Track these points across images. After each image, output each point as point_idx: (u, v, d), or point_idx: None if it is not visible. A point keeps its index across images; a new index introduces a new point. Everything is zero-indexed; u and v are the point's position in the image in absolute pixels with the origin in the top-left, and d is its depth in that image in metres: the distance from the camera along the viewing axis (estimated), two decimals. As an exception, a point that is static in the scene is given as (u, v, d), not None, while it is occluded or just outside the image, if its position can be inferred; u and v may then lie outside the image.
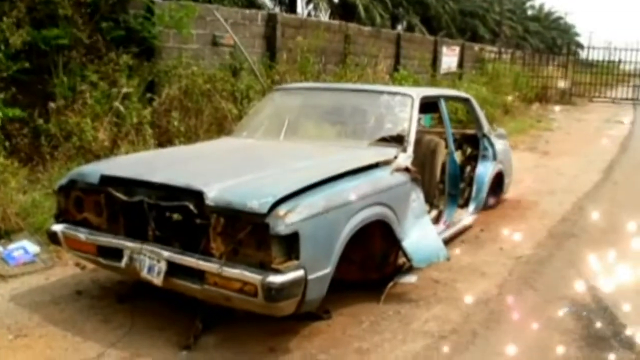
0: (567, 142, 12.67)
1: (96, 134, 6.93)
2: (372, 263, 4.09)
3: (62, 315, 3.76)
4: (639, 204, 7.26)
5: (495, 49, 23.85)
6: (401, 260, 4.24)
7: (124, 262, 3.42)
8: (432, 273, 4.52)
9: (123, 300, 3.94)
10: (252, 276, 2.97)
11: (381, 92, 4.88)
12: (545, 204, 7.10)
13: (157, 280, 3.29)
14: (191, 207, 3.16)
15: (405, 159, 4.25)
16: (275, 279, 2.94)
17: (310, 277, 3.10)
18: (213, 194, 3.14)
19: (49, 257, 4.67)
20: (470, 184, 5.96)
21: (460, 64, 19.19)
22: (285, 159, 3.93)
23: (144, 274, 3.33)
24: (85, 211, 3.72)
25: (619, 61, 25.81)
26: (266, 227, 2.98)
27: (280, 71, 10.36)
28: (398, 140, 4.40)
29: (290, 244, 3.01)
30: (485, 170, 6.04)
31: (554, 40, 50.78)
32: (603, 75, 25.26)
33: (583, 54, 27.43)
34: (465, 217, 5.64)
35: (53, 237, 3.80)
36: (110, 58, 7.40)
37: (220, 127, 9.44)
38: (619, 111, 20.62)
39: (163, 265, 3.26)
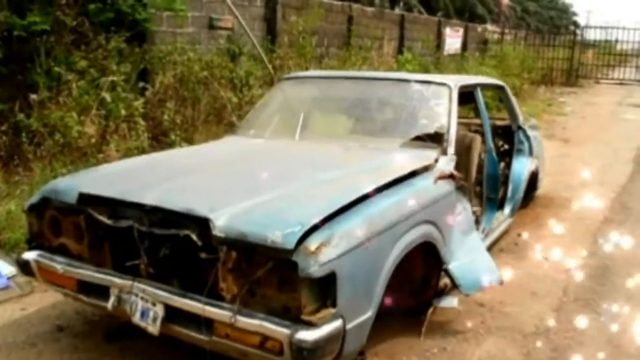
0: (584, 128, 11.99)
1: (83, 128, 6.22)
2: (410, 288, 3.41)
3: (39, 361, 3.09)
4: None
5: (498, 29, 23.08)
6: (442, 281, 3.56)
7: (110, 304, 2.74)
8: (474, 294, 3.84)
9: (112, 338, 3.25)
10: (277, 330, 2.30)
11: (412, 82, 4.14)
12: (580, 200, 6.44)
13: (153, 329, 2.60)
14: (194, 237, 2.47)
15: (447, 162, 3.55)
16: (308, 335, 2.26)
17: (349, 326, 2.42)
18: (222, 221, 2.45)
19: (26, 280, 3.96)
20: (505, 183, 5.26)
21: (464, 46, 18.46)
22: (307, 168, 3.21)
23: (136, 319, 2.65)
24: (63, 235, 3.02)
25: (616, 41, 25.18)
26: (293, 266, 2.29)
27: (281, 55, 9.63)
28: (436, 139, 3.69)
29: (325, 287, 2.34)
30: (521, 168, 5.34)
31: (552, 19, 49.90)
32: (605, 56, 24.54)
33: (581, 34, 26.65)
34: (502, 221, 4.95)
35: (25, 267, 3.10)
36: (99, 43, 6.67)
37: (219, 117, 8.76)
38: (628, 93, 19.92)
39: (159, 310, 2.58)
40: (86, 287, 2.87)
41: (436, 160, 3.50)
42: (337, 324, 2.35)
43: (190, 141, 7.80)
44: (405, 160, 3.39)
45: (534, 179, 5.75)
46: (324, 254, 2.30)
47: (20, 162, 5.91)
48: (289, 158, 3.48)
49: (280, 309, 2.41)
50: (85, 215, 2.84)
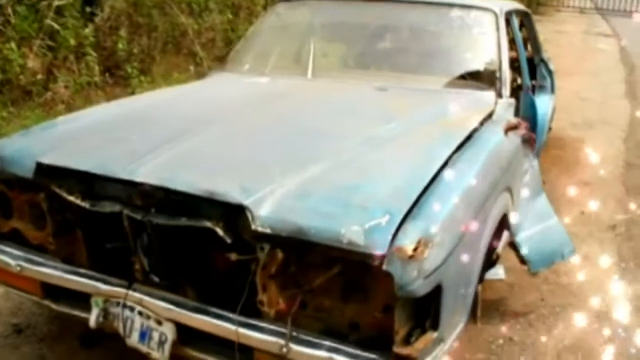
0: (566, 58, 11.31)
1: (25, 61, 5.19)
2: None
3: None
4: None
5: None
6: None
7: (93, 319, 1.94)
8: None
9: (91, 342, 2.46)
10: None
11: (449, 6, 3.30)
12: (592, 141, 5.86)
13: (159, 355, 1.83)
14: (219, 231, 1.67)
15: (505, 108, 2.82)
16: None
17: (445, 347, 1.72)
18: (265, 210, 1.66)
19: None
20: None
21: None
22: (347, 118, 2.39)
23: (133, 341, 1.88)
24: (15, 218, 2.17)
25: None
26: (377, 272, 1.55)
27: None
28: (487, 79, 2.93)
29: (425, 304, 1.61)
30: (545, 107, 4.65)
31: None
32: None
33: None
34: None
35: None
36: (37, -43, 5.52)
37: (178, 46, 7.78)
38: (592, 22, 19.47)
39: (168, 331, 1.81)
40: (55, 292, 2.06)
41: (495, 106, 2.75)
42: (439, 351, 1.64)
43: (148, 73, 6.84)
44: (464, 106, 2.63)
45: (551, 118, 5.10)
46: (428, 259, 1.55)
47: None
48: (314, 104, 2.62)
49: (345, 327, 1.69)
50: (47, 193, 1.99)
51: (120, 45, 6.33)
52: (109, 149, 2.01)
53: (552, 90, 4.84)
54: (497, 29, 3.12)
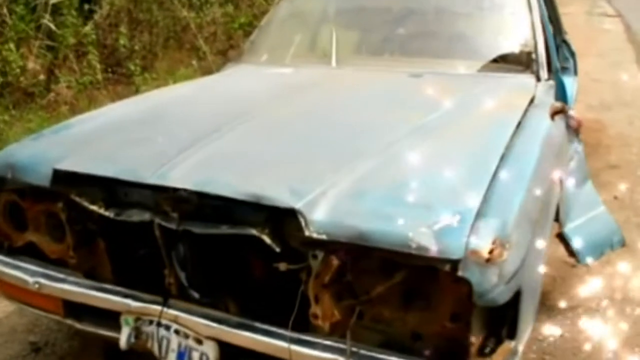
0: (573, 40, 11.20)
1: (25, 63, 5.00)
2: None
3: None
4: None
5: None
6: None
7: (124, 339, 1.76)
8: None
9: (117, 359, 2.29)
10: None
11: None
12: (612, 124, 5.66)
13: (200, 377, 1.66)
14: (267, 239, 1.49)
15: (546, 91, 2.63)
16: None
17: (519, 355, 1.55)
18: (321, 214, 1.48)
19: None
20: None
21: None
22: (386, 109, 2.20)
23: (171, 363, 1.70)
24: (31, 231, 1.99)
25: None
26: (448, 277, 1.38)
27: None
28: (524, 61, 2.74)
29: (501, 311, 1.43)
30: (571, 90, 4.46)
31: None
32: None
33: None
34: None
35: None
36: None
37: (180, 41, 7.58)
38: (593, 3, 19.18)
39: (210, 351, 1.63)
40: (78, 311, 1.88)
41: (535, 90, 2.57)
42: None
43: (151, 70, 6.65)
44: (505, 91, 2.45)
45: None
46: (507, 262, 1.38)
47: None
48: (348, 94, 2.42)
49: (407, 338, 1.52)
50: (66, 202, 1.81)
51: (121, 42, 6.13)
52: (133, 151, 1.82)
53: (575, 72, 4.64)
54: (530, 8, 2.93)
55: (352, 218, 1.44)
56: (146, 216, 1.62)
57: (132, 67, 6.30)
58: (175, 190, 1.58)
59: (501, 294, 1.36)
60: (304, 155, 1.75)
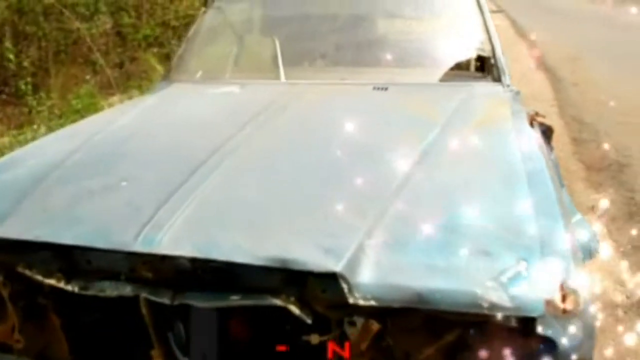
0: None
1: None
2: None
3: None
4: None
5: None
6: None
7: None
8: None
9: None
10: None
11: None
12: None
13: None
14: (296, 311, 1.20)
15: (514, 98, 2.50)
16: None
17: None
18: (366, 276, 1.20)
19: None
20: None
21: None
22: (379, 132, 1.91)
23: None
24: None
25: None
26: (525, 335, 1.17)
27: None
28: (486, 67, 2.61)
29: None
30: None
31: None
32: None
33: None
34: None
35: None
36: None
37: (73, 55, 6.97)
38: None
39: None
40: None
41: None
42: None
43: (43, 88, 6.03)
44: (481, 101, 2.29)
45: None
46: (585, 310, 1.18)
47: None
48: (322, 116, 2.09)
49: None
50: (7, 276, 1.42)
51: (11, 57, 5.48)
52: (96, 206, 1.45)
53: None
54: (481, 10, 2.81)
55: (402, 277, 1.19)
56: (127, 290, 1.28)
57: (23, 86, 5.67)
58: (170, 258, 1.25)
59: (589, 351, 1.16)
60: (314, 198, 1.45)
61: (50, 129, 4.86)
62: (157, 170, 1.61)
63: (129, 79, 6.93)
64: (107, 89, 6.63)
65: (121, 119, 2.11)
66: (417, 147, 1.71)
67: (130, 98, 6.09)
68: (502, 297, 1.14)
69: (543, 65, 8.45)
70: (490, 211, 1.38)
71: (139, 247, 1.26)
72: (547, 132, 2.53)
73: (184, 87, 2.67)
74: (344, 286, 1.17)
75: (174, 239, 1.27)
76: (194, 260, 1.24)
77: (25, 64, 5.87)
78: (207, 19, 3.12)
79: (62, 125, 4.88)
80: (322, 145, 1.76)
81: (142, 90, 6.37)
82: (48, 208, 1.46)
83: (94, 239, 1.31)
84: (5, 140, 4.65)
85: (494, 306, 1.13)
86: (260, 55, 2.84)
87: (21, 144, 4.43)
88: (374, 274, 1.20)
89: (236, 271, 1.23)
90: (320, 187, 1.50)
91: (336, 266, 1.18)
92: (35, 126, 5.13)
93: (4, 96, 5.72)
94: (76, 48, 6.96)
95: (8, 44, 5.86)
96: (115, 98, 6.20)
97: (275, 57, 2.68)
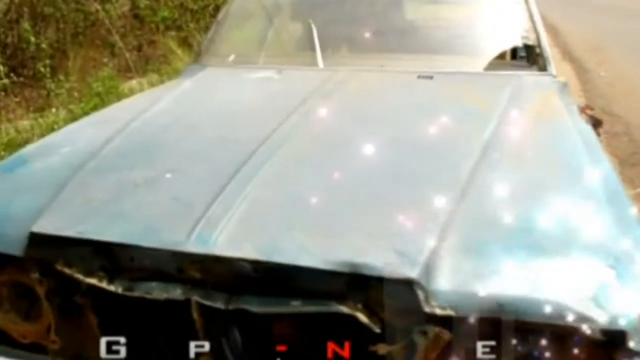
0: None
1: None
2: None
3: None
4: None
5: None
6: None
7: None
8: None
9: None
10: None
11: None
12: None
13: None
14: (364, 319, 1.11)
15: (563, 89, 2.38)
16: None
17: None
18: (443, 284, 1.10)
19: None
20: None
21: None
22: (433, 123, 1.78)
23: None
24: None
25: None
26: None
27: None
28: (531, 56, 2.48)
29: None
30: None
31: None
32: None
33: None
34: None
35: None
36: None
37: (91, 37, 6.87)
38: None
39: None
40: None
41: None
42: None
43: (62, 71, 5.94)
44: (532, 91, 2.18)
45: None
46: None
47: None
48: (368, 104, 1.98)
49: None
50: (44, 272, 1.33)
51: (30, 39, 5.39)
52: (140, 200, 1.35)
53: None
54: (526, -1, 2.69)
55: (482, 284, 1.08)
56: (177, 293, 1.18)
57: (42, 69, 5.57)
58: (228, 260, 1.14)
59: None
60: (380, 196, 1.34)
61: (70, 113, 4.78)
62: (203, 161, 1.51)
63: (148, 63, 6.83)
64: (125, 72, 6.53)
65: (156, 105, 2.01)
66: (477, 141, 1.59)
67: (149, 82, 5.99)
68: (592, 309, 1.03)
69: (568, 55, 8.27)
70: (571, 215, 1.27)
71: (193, 247, 1.16)
72: (596, 126, 2.41)
73: (217, 72, 2.57)
74: (420, 294, 1.07)
75: (231, 238, 1.17)
76: (254, 263, 1.13)
77: (44, 45, 5.77)
78: (239, 1, 3.01)
79: (82, 109, 4.80)
80: (378, 139, 1.64)
81: (161, 74, 6.28)
82: (89, 201, 1.36)
83: (143, 236, 1.21)
84: (26, 123, 4.56)
85: (583, 318, 1.03)
86: (295, 40, 2.73)
87: (42, 127, 4.35)
88: (452, 280, 1.10)
89: (297, 275, 1.13)
90: (384, 183, 1.39)
91: (412, 272, 1.08)
92: (54, 109, 5.04)
93: (22, 79, 5.62)
94: (94, 30, 6.85)
95: (26, 25, 5.76)
96: (134, 82, 6.11)
97: (311, 42, 2.57)
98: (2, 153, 3.94)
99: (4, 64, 5.35)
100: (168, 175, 1.42)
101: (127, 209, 1.31)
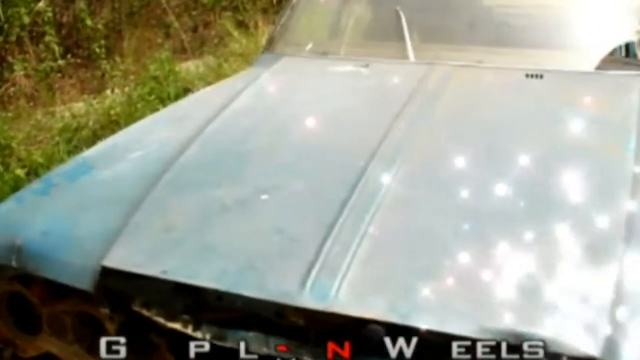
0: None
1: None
2: None
3: None
4: None
5: None
6: None
7: None
8: None
9: None
10: None
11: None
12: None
13: None
14: None
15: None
16: None
17: None
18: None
19: None
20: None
21: None
22: (562, 133, 1.51)
23: None
24: (45, 334, 1.28)
25: None
26: None
27: None
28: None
29: None
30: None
31: None
32: None
33: None
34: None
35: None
36: None
37: (147, 17, 6.72)
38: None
39: None
40: None
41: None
42: None
43: (117, 51, 5.79)
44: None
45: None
46: None
47: None
48: (483, 111, 1.68)
49: None
50: (115, 307, 1.11)
51: (85, 19, 5.25)
52: (235, 228, 1.11)
53: None
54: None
55: None
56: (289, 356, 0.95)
57: (97, 50, 5.44)
58: (335, 314, 0.90)
59: None
60: (536, 234, 1.06)
61: (126, 96, 4.61)
62: (301, 177, 1.26)
63: (203, 44, 6.64)
64: (180, 53, 6.36)
65: (235, 102, 1.77)
66: (623, 162, 1.31)
67: (205, 64, 5.80)
68: None
69: None
70: None
71: (308, 301, 0.92)
72: None
73: (296, 62, 2.32)
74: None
75: (355, 291, 0.93)
76: (389, 325, 0.89)
77: (99, 26, 5.63)
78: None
79: (138, 93, 4.63)
80: (511, 155, 1.37)
81: (217, 55, 6.07)
82: (169, 229, 1.13)
83: (242, 282, 0.98)
84: (81, 105, 4.41)
85: None
86: (379, 28, 2.46)
87: (97, 113, 4.19)
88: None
89: (440, 341, 0.88)
90: (536, 217, 1.12)
91: (595, 349, 0.82)
92: (109, 91, 4.88)
93: (77, 59, 5.49)
94: (149, 10, 6.70)
95: (82, 4, 5.62)
96: (189, 63, 5.93)
97: (398, 31, 2.30)
98: (57, 138, 3.80)
99: (59, 45, 5.22)
100: (264, 197, 1.18)
101: (218, 242, 1.08)
